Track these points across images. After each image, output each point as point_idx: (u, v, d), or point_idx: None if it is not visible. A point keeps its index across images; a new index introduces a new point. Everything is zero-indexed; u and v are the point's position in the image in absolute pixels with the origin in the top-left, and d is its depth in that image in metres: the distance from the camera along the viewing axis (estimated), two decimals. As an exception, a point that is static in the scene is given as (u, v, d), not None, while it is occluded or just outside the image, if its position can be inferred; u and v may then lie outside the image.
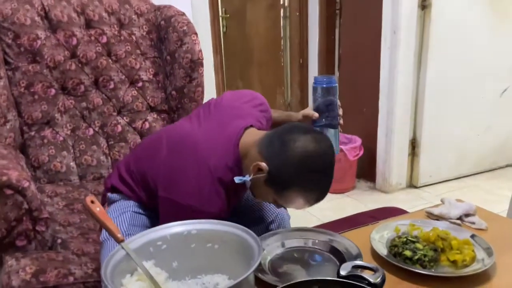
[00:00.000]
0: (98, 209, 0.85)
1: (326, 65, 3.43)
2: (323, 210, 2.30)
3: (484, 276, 0.94)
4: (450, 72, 2.39)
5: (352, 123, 2.20)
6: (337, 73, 3.43)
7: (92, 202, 0.85)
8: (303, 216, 2.07)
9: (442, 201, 1.24)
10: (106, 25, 1.61)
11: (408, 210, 2.27)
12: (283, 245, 1.04)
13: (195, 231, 0.92)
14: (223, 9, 3.51)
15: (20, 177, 1.06)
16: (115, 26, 1.63)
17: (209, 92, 1.92)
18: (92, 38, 1.58)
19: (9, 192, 1.04)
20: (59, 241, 1.19)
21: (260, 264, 0.91)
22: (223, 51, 3.10)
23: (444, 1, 2.24)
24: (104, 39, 1.60)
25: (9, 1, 1.48)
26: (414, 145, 2.52)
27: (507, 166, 2.79)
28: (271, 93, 3.80)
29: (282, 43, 3.65)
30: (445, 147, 2.55)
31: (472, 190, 2.52)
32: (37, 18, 1.50)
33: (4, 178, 1.03)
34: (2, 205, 1.04)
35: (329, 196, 0.98)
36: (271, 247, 1.02)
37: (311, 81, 3.80)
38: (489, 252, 0.98)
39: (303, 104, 3.67)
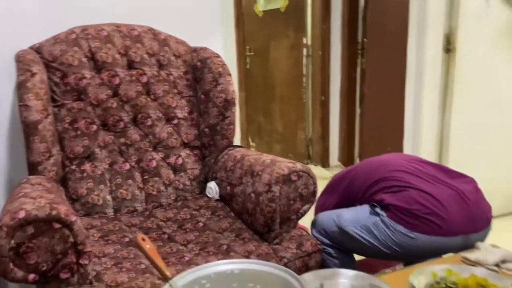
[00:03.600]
0: (148, 246, 0.89)
1: (347, 103, 3.50)
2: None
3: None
4: (475, 113, 2.42)
5: (378, 162, 2.22)
6: (358, 110, 3.50)
7: (143, 239, 0.89)
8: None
9: (478, 246, 1.24)
10: (146, 66, 1.70)
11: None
12: (321, 286, 1.04)
13: (237, 271, 0.94)
14: (248, 47, 3.63)
15: (68, 211, 1.11)
16: (155, 66, 1.72)
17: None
18: (133, 78, 1.67)
19: (57, 226, 1.09)
20: (94, 273, 1.22)
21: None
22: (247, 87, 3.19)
23: (469, 45, 2.30)
24: (145, 79, 1.69)
25: (58, 43, 1.59)
26: (439, 185, 2.52)
27: (534, 208, 2.74)
28: (292, 128, 3.87)
29: (304, 81, 3.75)
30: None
31: (501, 232, 2.45)
32: (84, 59, 1.60)
33: (54, 212, 1.08)
34: (50, 238, 1.08)
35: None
36: (309, 288, 1.03)
37: (332, 117, 3.88)
38: (530, 301, 0.97)
39: (324, 139, 3.72)
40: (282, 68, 3.79)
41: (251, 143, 3.79)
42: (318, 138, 3.76)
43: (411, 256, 1.41)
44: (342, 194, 1.60)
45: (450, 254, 1.34)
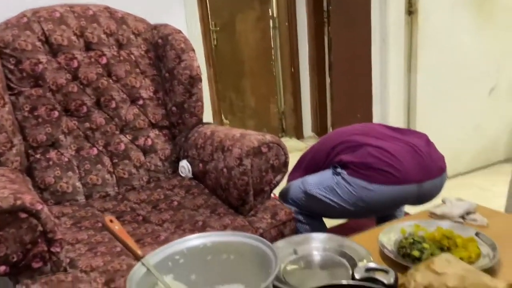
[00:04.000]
0: (117, 227, 0.88)
1: (317, 73, 3.50)
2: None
3: (491, 271, 0.98)
4: (440, 74, 2.46)
5: (348, 129, 2.25)
6: (328, 80, 3.51)
7: (111, 221, 0.88)
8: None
9: (444, 201, 1.28)
10: (105, 46, 1.64)
11: (406, 210, 2.32)
12: (295, 252, 1.07)
13: (210, 244, 0.95)
14: (213, 22, 3.56)
15: (34, 200, 1.08)
16: (114, 47, 1.67)
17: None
18: (92, 59, 1.61)
19: (23, 215, 1.06)
20: (67, 260, 1.20)
21: (275, 272, 0.93)
22: (215, 64, 3.15)
23: (430, 7, 2.31)
24: (104, 60, 1.64)
25: (10, 28, 1.51)
26: (409, 146, 2.58)
27: (499, 162, 2.86)
28: (264, 102, 3.85)
29: (273, 53, 3.72)
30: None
31: (468, 187, 2.57)
32: (38, 43, 1.53)
33: (19, 202, 1.05)
34: (17, 228, 1.06)
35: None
36: (283, 254, 1.05)
37: (303, 89, 3.87)
38: (493, 247, 1.02)
39: (297, 111, 3.73)
40: (250, 42, 3.74)
41: (225, 121, 3.76)
42: (290, 110, 3.77)
43: (374, 209, 1.49)
44: (307, 167, 1.66)
45: (417, 210, 1.39)
